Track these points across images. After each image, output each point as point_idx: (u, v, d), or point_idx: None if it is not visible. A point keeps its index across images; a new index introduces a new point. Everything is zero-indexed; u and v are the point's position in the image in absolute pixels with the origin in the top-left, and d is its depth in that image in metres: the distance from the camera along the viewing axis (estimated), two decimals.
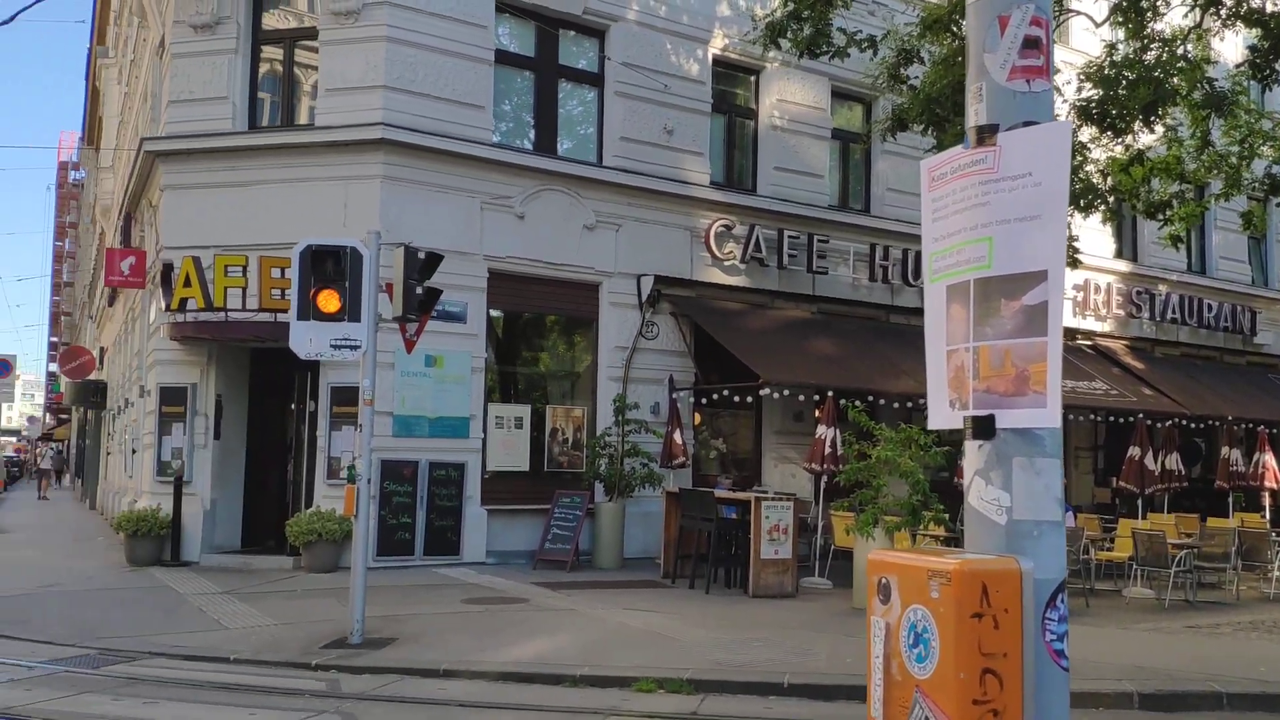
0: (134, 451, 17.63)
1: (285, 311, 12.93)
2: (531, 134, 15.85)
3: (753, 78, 17.78)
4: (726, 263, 16.70)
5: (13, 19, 12.57)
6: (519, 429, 15.10)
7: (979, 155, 3.68)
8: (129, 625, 9.86)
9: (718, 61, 17.17)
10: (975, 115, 3.75)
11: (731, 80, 17.71)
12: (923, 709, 3.43)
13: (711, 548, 12.60)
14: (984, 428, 3.63)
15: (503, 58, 15.30)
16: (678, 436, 15.05)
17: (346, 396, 13.66)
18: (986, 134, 3.67)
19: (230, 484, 15.03)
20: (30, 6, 10.62)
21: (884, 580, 3.65)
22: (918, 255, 18.13)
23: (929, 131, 13.45)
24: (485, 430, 14.73)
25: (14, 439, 73.20)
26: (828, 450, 13.30)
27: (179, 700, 7.19)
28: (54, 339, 69.37)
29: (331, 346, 9.11)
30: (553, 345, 16.63)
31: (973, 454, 3.72)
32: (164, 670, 8.17)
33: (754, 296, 17.00)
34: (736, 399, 15.73)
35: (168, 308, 13.89)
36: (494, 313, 15.18)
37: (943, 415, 3.83)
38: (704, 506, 12.87)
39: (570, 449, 15.48)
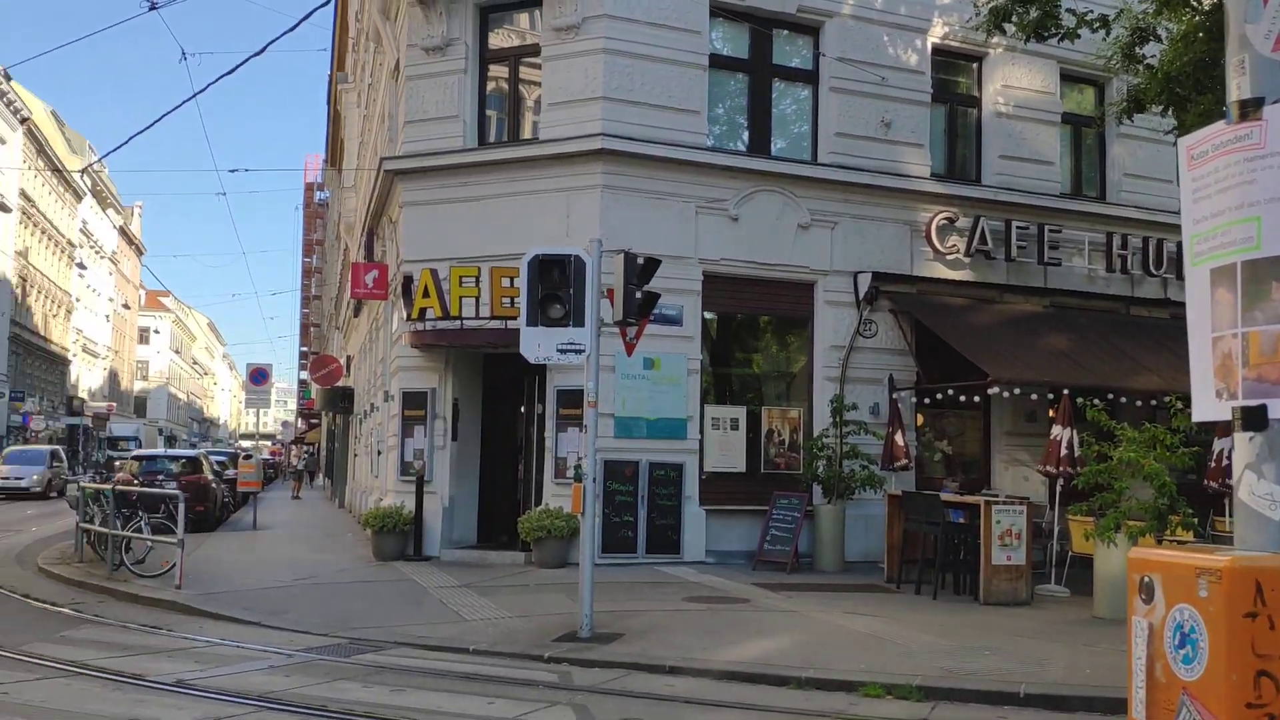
0: (379, 453, 18.77)
1: (514, 318, 13.49)
2: (745, 135, 15.87)
3: (975, 65, 17.18)
4: (949, 256, 16.19)
5: (263, 50, 13.64)
6: (735, 430, 15.13)
7: (1243, 131, 3.45)
8: (377, 616, 10.49)
9: (937, 50, 16.68)
10: (1237, 89, 3.51)
11: (952, 68, 17.17)
12: (1190, 712, 3.24)
13: (939, 552, 12.24)
14: (1255, 418, 3.39)
15: (717, 61, 15.40)
16: (899, 438, 14.70)
17: (571, 399, 14.09)
18: (1251, 108, 3.43)
19: (466, 482, 15.77)
20: (279, 38, 11.52)
21: (1146, 579, 3.47)
22: (1159, 243, 17.03)
23: (1169, 112, 12.59)
24: (702, 431, 14.85)
25: (269, 443, 79.12)
26: (1064, 452, 12.65)
27: (423, 689, 7.59)
28: (303, 349, 74.72)
29: (558, 351, 9.41)
30: (766, 346, 16.60)
31: (1243, 447, 3.48)
32: (409, 659, 8.65)
33: (980, 291, 16.40)
34: (962, 399, 15.22)
35: (408, 317, 14.72)
36: (708, 315, 15.29)
37: (1208, 406, 3.60)
38: (930, 510, 12.52)
39: (787, 450, 15.39)
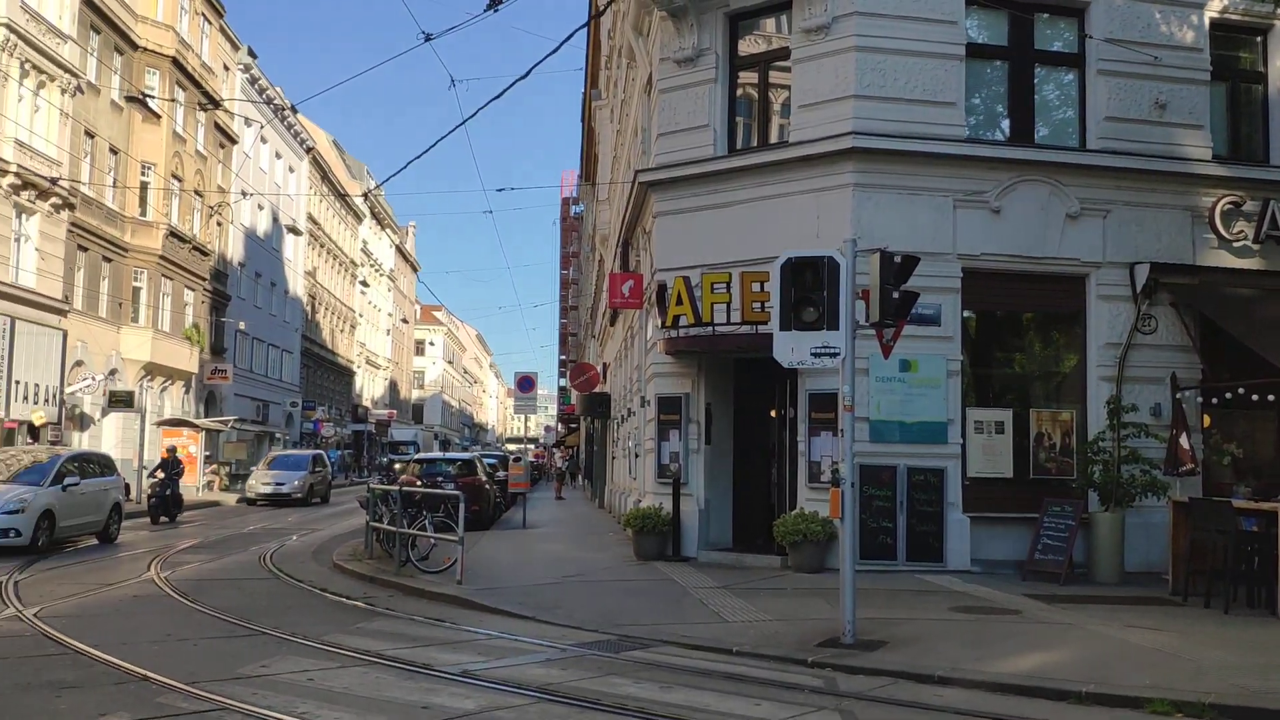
0: (636, 456, 19.31)
1: (765, 323, 13.57)
2: (1004, 125, 15.27)
3: (1258, 39, 15.80)
4: (1236, 244, 14.94)
5: (527, 74, 14.32)
6: (1000, 434, 14.55)
7: None
8: (641, 614, 10.80)
9: (1216, 25, 15.44)
10: None
11: (1232, 44, 15.85)
12: None
13: (1229, 563, 11.32)
14: None
15: (973, 51, 14.89)
16: (1184, 441, 13.71)
17: (823, 403, 14.01)
18: None
19: (721, 485, 15.97)
20: (542, 61, 12.09)
21: None
22: None
23: None
24: (964, 435, 14.37)
25: (532, 446, 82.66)
26: None
27: (690, 687, 7.76)
28: (562, 357, 77.89)
29: (812, 355, 9.38)
30: (1031, 345, 15.86)
31: None
32: (674, 658, 8.86)
33: (1271, 280, 15.03)
34: (1255, 397, 13.98)
35: (662, 324, 15.08)
36: (968, 313, 14.79)
37: None
38: (1220, 518, 11.59)
39: (1058, 454, 14.65)
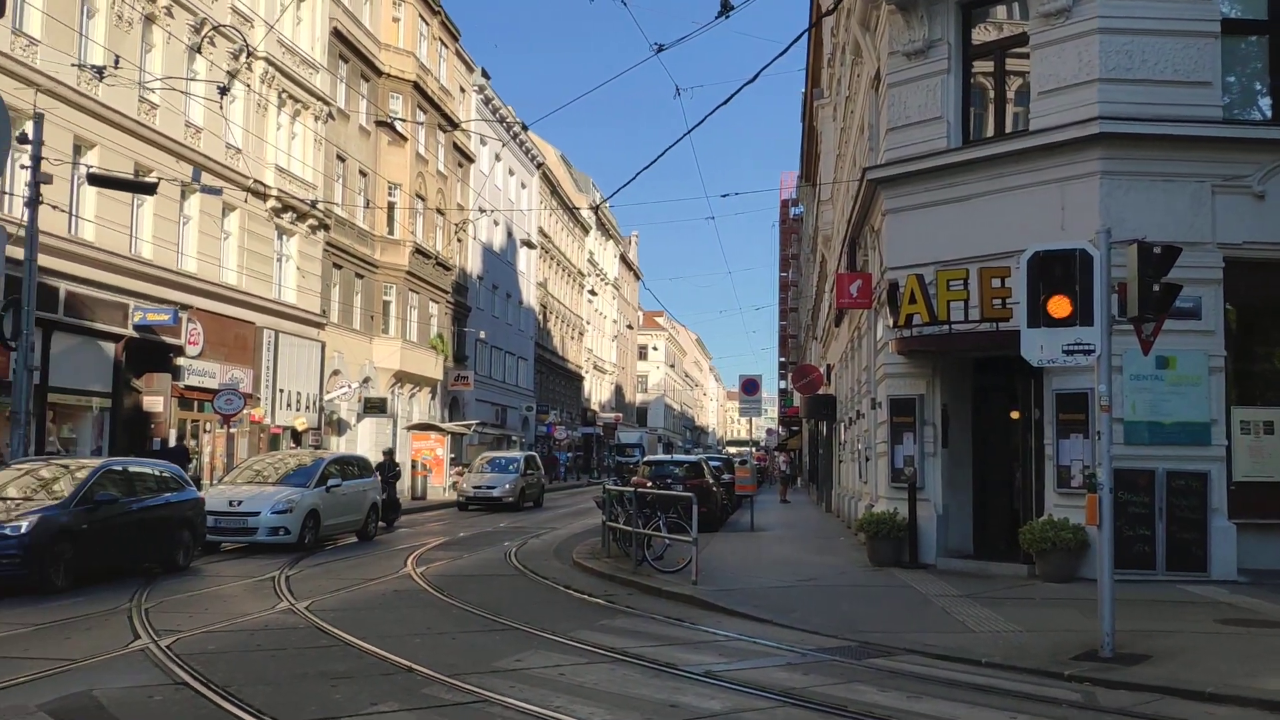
0: (867, 459, 18.98)
1: (1005, 320, 13.06)
2: (1264, 104, 14.10)
3: None
4: None
5: (755, 78, 14.35)
6: (1270, 435, 13.45)
7: None
8: (880, 621, 10.62)
9: None
10: None
11: None
12: None
13: None
14: None
15: (1229, 26, 13.82)
16: None
17: (1072, 403, 13.35)
18: None
19: (959, 490, 15.47)
20: (770, 64, 12.09)
21: None
22: None
23: None
24: (1229, 436, 13.35)
25: (754, 449, 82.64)
26: None
27: (938, 697, 7.56)
28: (782, 359, 77.44)
29: (1063, 352, 8.96)
30: None
31: None
32: (918, 667, 8.65)
33: None
34: None
35: (894, 324, 14.76)
36: (1228, 306, 13.71)
37: None
38: None
39: None
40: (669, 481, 22.02)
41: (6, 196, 20.56)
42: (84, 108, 22.55)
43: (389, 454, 25.88)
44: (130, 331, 24.51)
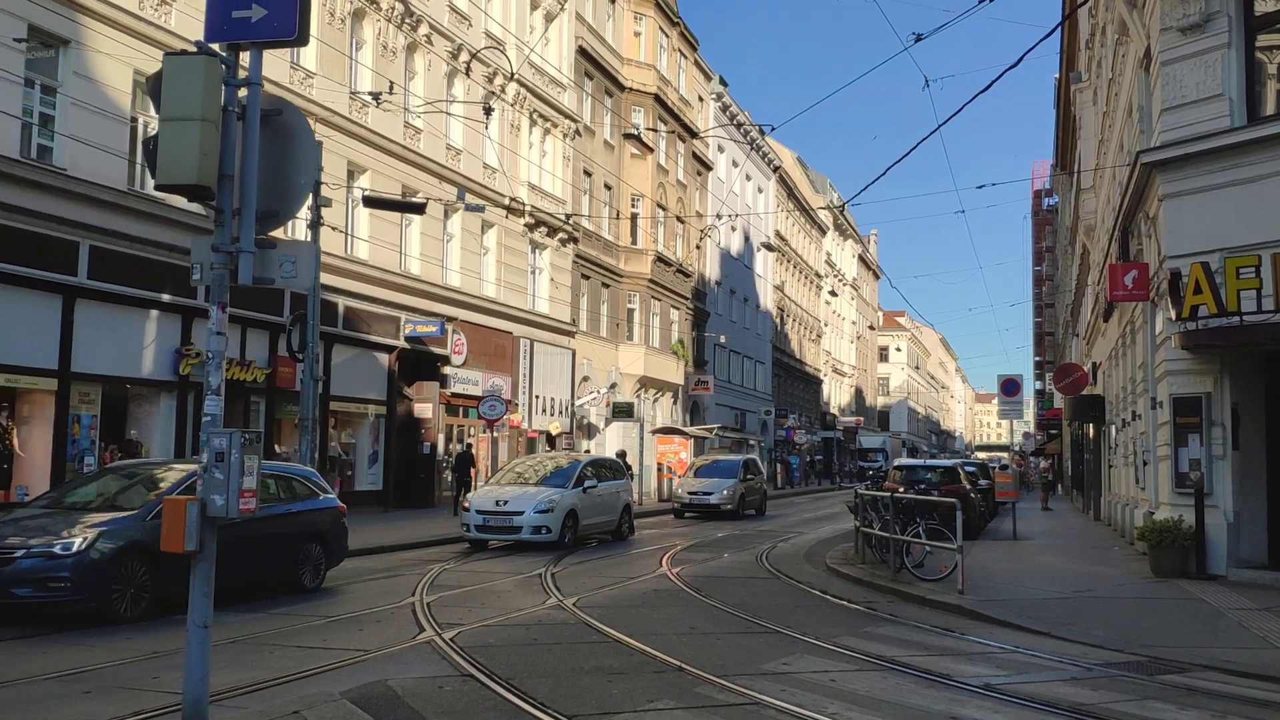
0: (1144, 463, 17.74)
1: None
2: None
3: None
4: None
5: (1017, 63, 13.73)
6: None
7: None
8: (1169, 635, 9.88)
9: None
10: None
11: None
12: None
13: None
14: None
15: None
16: None
17: None
18: None
19: (1252, 496, 14.19)
20: (1033, 49, 11.49)
21: None
22: None
23: None
24: None
25: (1006, 453, 79.22)
26: None
27: (1244, 718, 6.96)
28: (1037, 358, 73.74)
29: None
30: None
31: None
32: (1219, 684, 7.98)
33: None
34: None
35: (1176, 317, 13.72)
36: None
37: None
38: None
39: None
40: (922, 487, 21.37)
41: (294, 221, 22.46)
42: (356, 134, 24.30)
43: (621, 456, 26.13)
44: (402, 343, 26.20)
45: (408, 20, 26.42)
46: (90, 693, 7.19)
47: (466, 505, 19.08)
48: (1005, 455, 64.56)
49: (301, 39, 5.40)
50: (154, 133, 5.39)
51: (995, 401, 32.55)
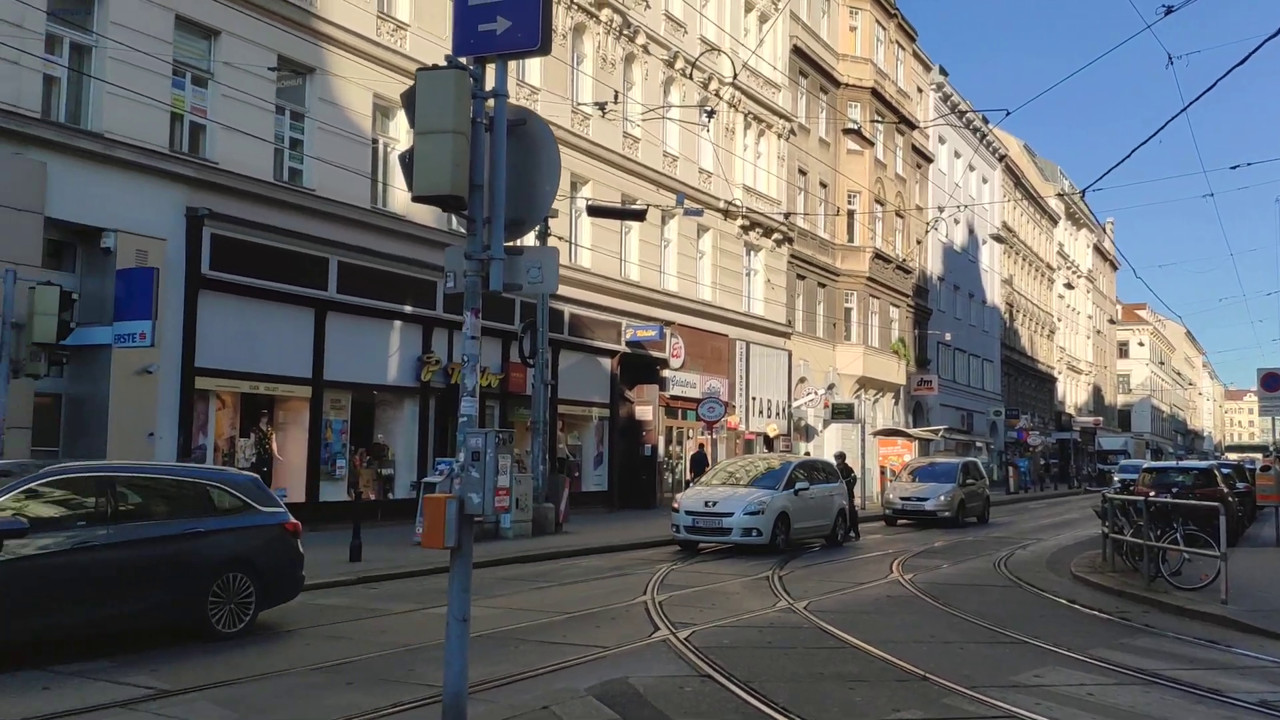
0: None
1: None
2: None
3: None
4: None
5: (1277, 32, 12.66)
6: None
7: None
8: None
9: None
10: None
11: None
12: None
13: None
14: None
15: None
16: None
17: None
18: None
19: None
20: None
21: None
22: None
23: None
24: None
25: (1263, 454, 73.17)
26: None
27: None
28: None
29: None
30: None
31: None
32: None
33: None
34: None
35: None
36: None
37: None
38: None
39: None
40: (1174, 491, 19.94)
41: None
42: (577, 147, 24.93)
43: (840, 458, 23.92)
44: (623, 347, 26.71)
45: (625, 32, 26.92)
46: (352, 684, 7.62)
47: (676, 505, 18.76)
48: (1259, 456, 59.58)
49: (544, 48, 5.54)
50: (408, 147, 5.65)
51: (1249, 398, 29.97)
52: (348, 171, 18.99)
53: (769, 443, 32.78)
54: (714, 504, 18.19)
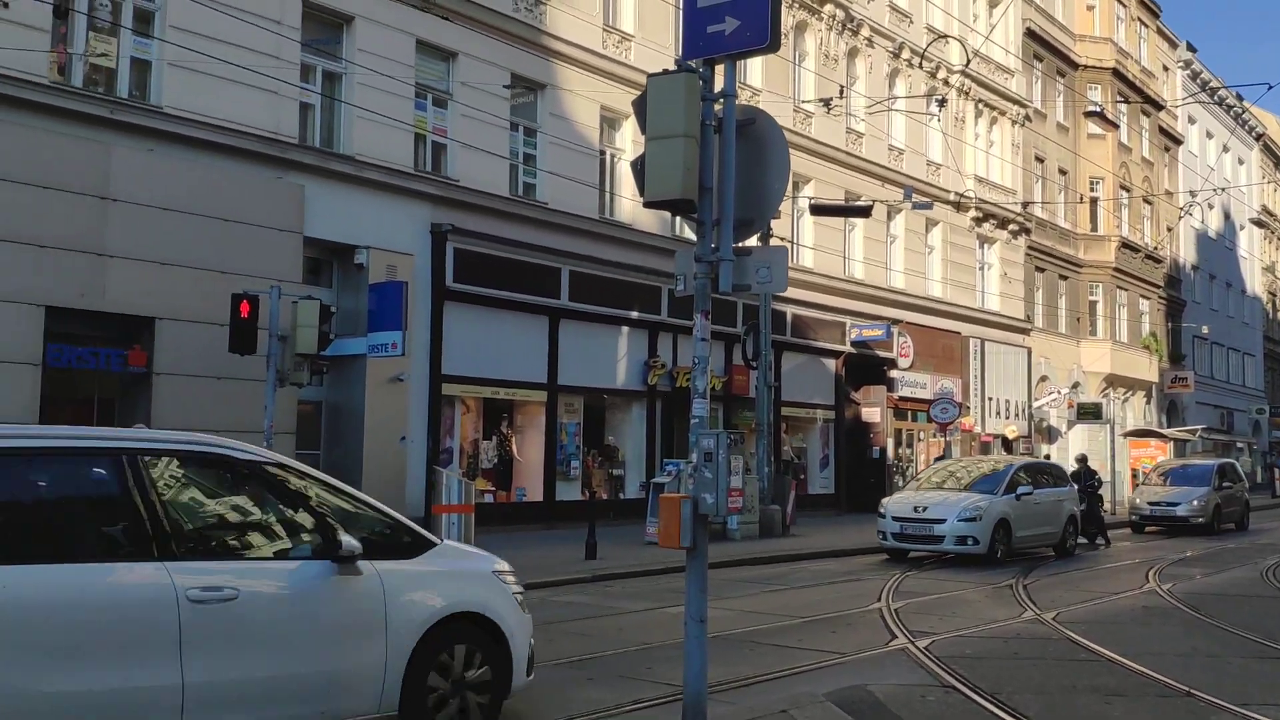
0: None
1: None
2: None
3: None
4: None
5: None
6: None
7: None
8: None
9: None
10: None
11: None
12: None
13: None
14: None
15: None
16: None
17: None
18: None
19: None
20: None
21: None
22: None
23: None
24: None
25: None
26: None
27: None
28: None
29: None
30: None
31: None
32: None
33: None
34: None
35: None
36: None
37: None
38: None
39: None
40: None
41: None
42: (799, 145, 24.69)
43: (1082, 461, 22.13)
44: (847, 348, 26.28)
45: (848, 26, 26.49)
46: (593, 679, 7.80)
47: (882, 511, 17.44)
48: None
49: (774, 45, 5.51)
50: (638, 154, 5.75)
51: None
52: (577, 183, 19.56)
53: (1008, 445, 31.42)
54: (924, 509, 16.76)
